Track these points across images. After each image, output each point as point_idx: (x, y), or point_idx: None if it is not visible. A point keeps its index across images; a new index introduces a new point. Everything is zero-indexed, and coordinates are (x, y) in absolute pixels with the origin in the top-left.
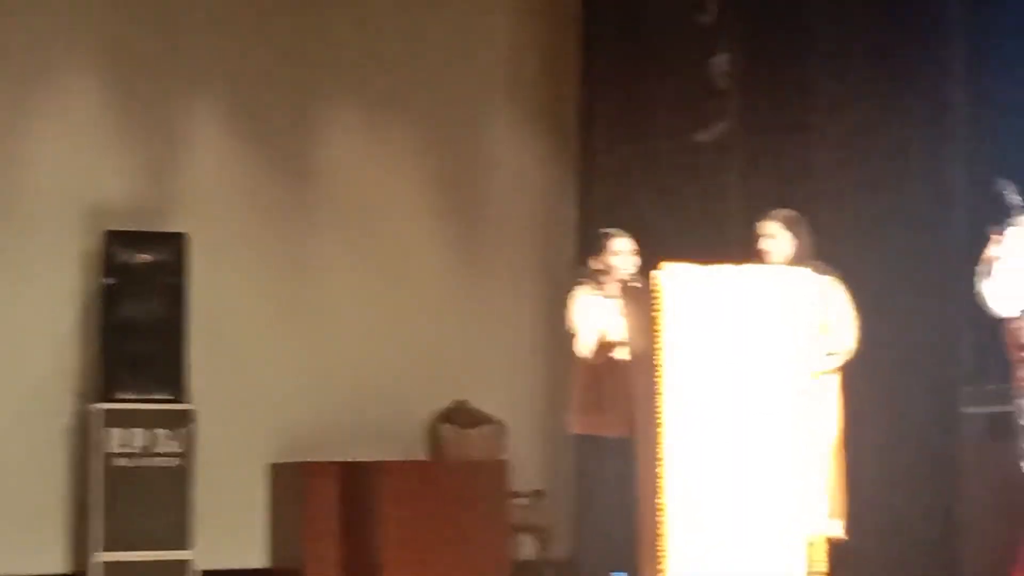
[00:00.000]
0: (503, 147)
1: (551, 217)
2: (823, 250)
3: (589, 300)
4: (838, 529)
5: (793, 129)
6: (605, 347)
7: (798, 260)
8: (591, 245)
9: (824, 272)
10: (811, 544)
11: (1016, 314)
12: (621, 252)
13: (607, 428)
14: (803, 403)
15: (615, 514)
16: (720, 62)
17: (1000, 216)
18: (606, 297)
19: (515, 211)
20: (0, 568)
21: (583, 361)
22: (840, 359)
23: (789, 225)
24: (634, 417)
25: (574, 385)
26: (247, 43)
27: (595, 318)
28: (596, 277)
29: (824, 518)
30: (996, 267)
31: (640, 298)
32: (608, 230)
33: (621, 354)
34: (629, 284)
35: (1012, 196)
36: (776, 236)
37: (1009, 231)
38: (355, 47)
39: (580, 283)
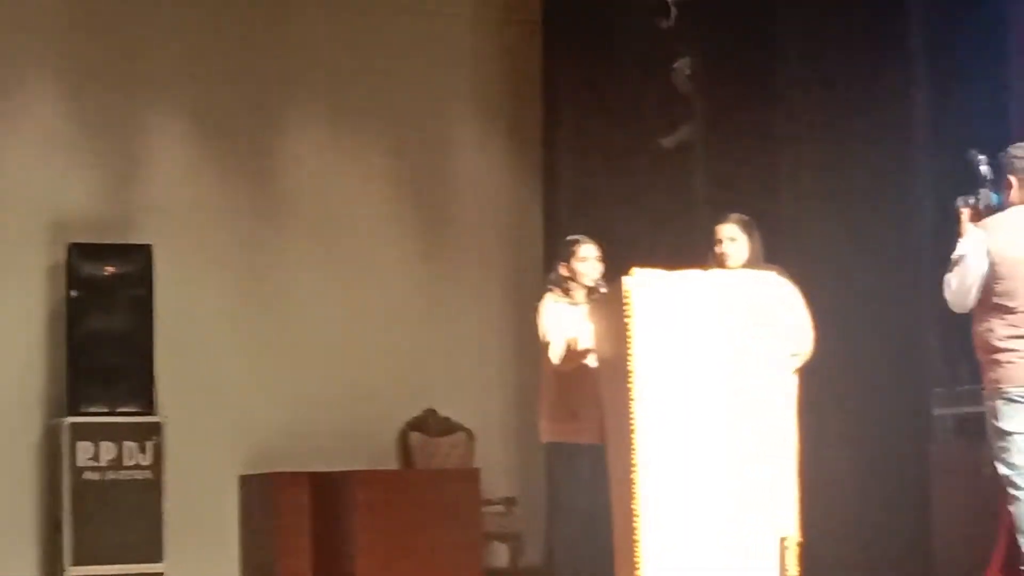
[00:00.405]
0: (468, 155)
1: (517, 224)
2: (789, 252)
3: (557, 307)
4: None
5: (757, 132)
6: (575, 354)
7: (753, 263)
8: (558, 252)
9: (779, 274)
10: (784, 547)
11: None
12: (588, 258)
13: (578, 435)
14: (776, 405)
15: (588, 521)
16: (682, 66)
17: (970, 191)
18: (574, 304)
19: (481, 219)
20: None
21: (553, 368)
22: (799, 361)
23: (746, 228)
24: (605, 424)
25: (544, 392)
26: (210, 54)
27: (564, 325)
28: (564, 284)
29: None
30: (958, 267)
31: (608, 304)
32: (575, 236)
33: (591, 361)
34: (597, 290)
35: (982, 167)
36: (736, 239)
37: (971, 229)
38: (319, 57)
39: (548, 290)
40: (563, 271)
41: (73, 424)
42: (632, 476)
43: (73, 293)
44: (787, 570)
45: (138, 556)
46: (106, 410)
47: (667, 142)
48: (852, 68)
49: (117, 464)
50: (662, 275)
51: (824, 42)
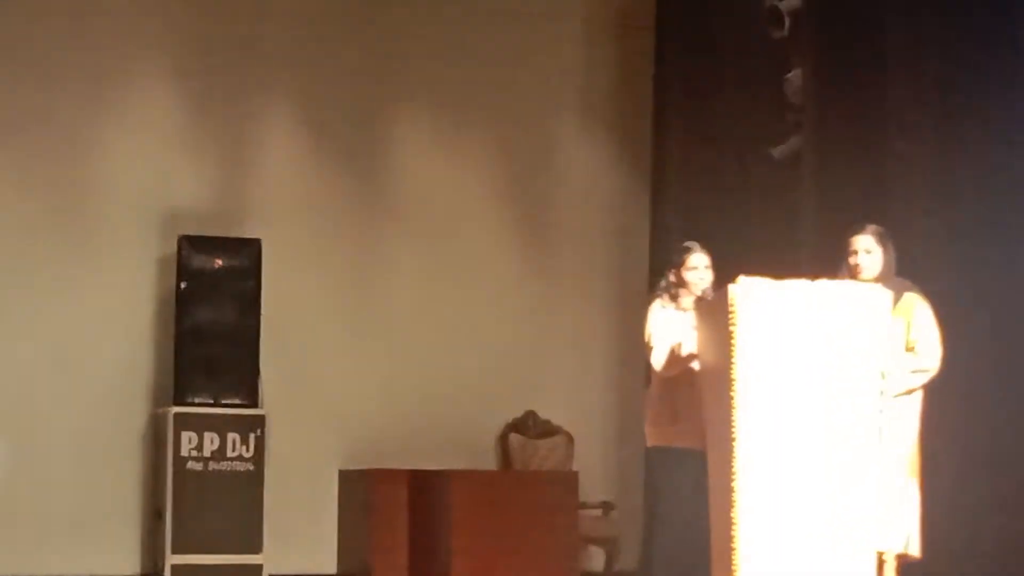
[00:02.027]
0: (576, 157)
1: (624, 229)
2: (901, 266)
3: (665, 313)
4: (914, 548)
5: (867, 144)
6: (679, 360)
7: (886, 275)
8: (670, 258)
9: (910, 289)
10: (883, 561)
11: None
12: (698, 267)
13: (680, 438)
14: (878, 419)
15: (686, 527)
16: (795, 77)
17: None
18: (681, 310)
19: (587, 221)
20: (74, 568)
21: (657, 373)
22: (925, 377)
23: (881, 240)
24: (707, 431)
25: (648, 397)
26: (323, 51)
27: (670, 330)
28: (672, 290)
29: (897, 535)
30: None
31: (713, 312)
32: (688, 244)
33: (695, 366)
34: (704, 298)
35: None
36: (872, 251)
37: None
38: (428, 55)
39: (656, 295)
40: (672, 278)
41: (178, 414)
42: (732, 484)
43: (182, 285)
44: None
45: (237, 547)
46: (211, 401)
47: (777, 152)
48: (964, 80)
49: (220, 455)
50: (768, 284)
51: (936, 54)
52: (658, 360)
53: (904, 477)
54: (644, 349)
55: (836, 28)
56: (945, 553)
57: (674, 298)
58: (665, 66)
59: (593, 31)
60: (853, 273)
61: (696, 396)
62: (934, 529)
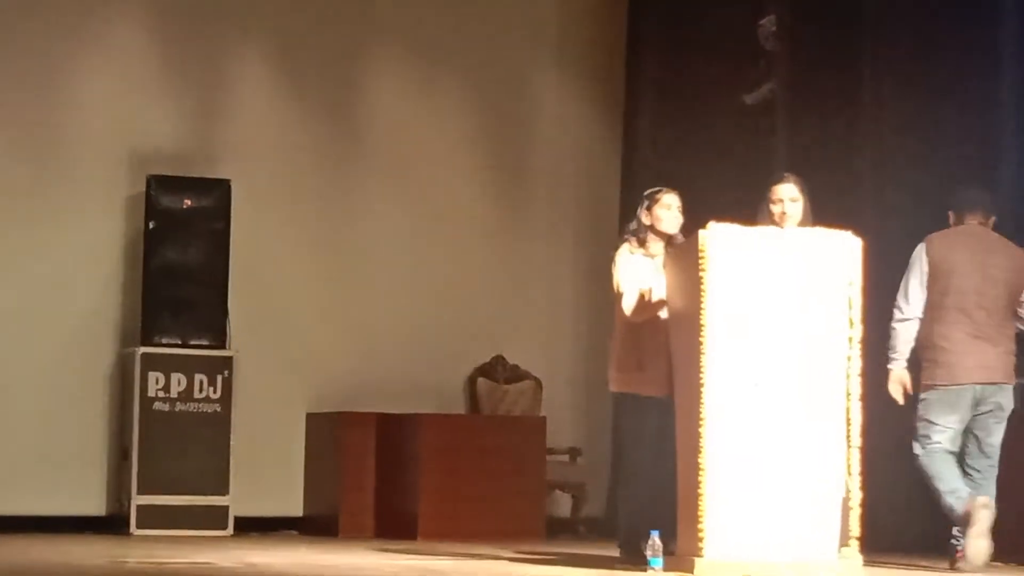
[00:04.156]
0: (549, 103)
1: (594, 174)
2: (867, 213)
3: (633, 258)
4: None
5: (839, 92)
6: (647, 306)
7: (806, 222)
8: (639, 201)
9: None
10: (848, 506)
11: None
12: (671, 206)
13: (644, 386)
14: (848, 365)
15: (651, 474)
16: (768, 23)
17: None
18: (649, 256)
19: (559, 167)
20: (39, 509)
21: (625, 319)
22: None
23: (802, 188)
24: (675, 376)
25: (615, 343)
26: None
27: (639, 276)
28: (641, 234)
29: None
30: None
31: (683, 257)
32: (660, 187)
33: (663, 314)
34: (673, 242)
35: None
36: (796, 199)
37: None
38: None
39: (625, 240)
40: (644, 218)
41: (145, 354)
42: (699, 429)
43: (151, 225)
44: (849, 530)
45: (204, 488)
46: (178, 342)
47: (749, 99)
48: (938, 30)
49: (187, 396)
50: (738, 230)
51: (911, 3)
52: (628, 305)
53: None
54: (613, 295)
55: None
56: (908, 501)
57: (642, 243)
58: (639, 12)
59: None
60: (779, 221)
61: (662, 343)
62: (897, 476)
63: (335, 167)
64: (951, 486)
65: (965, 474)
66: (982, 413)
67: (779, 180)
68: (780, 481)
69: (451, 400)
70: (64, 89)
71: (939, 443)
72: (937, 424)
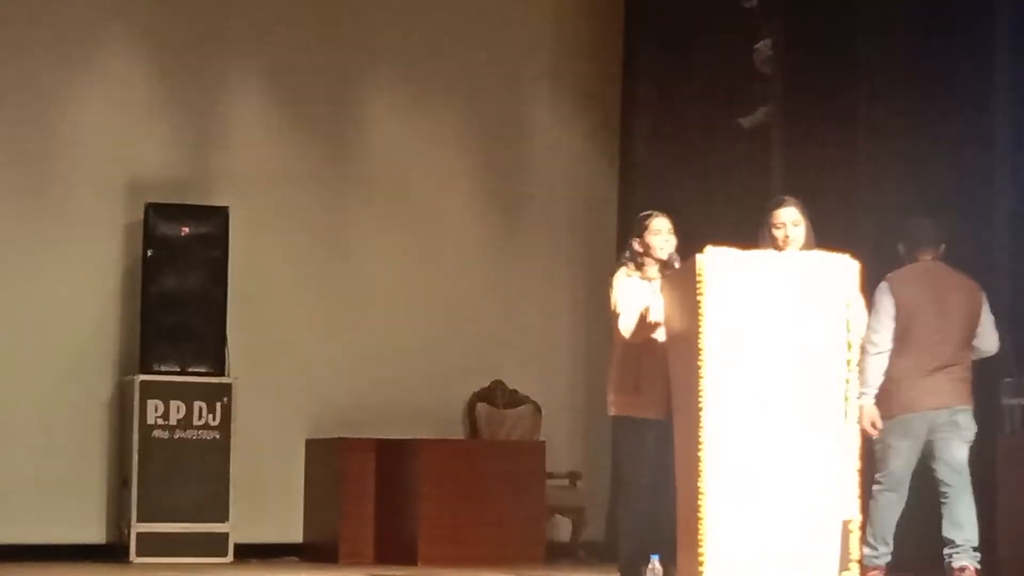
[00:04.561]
0: (545, 127)
1: (591, 199)
2: (865, 236)
3: (630, 281)
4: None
5: (836, 115)
6: (645, 327)
7: (809, 246)
8: (631, 228)
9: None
10: (848, 531)
11: None
12: (661, 231)
13: (642, 409)
14: (845, 388)
15: (651, 496)
16: (764, 47)
17: None
18: (646, 279)
19: (556, 191)
20: (39, 538)
21: (623, 341)
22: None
23: (803, 211)
24: (673, 399)
25: (612, 366)
26: (289, 16)
27: (636, 298)
28: (637, 259)
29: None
30: None
31: (680, 281)
32: (647, 212)
33: (659, 335)
34: (669, 266)
35: None
36: (798, 223)
37: None
38: (398, 21)
39: (622, 264)
40: (637, 246)
41: (144, 382)
42: (698, 453)
43: (149, 252)
44: (849, 553)
45: (203, 515)
46: (177, 369)
47: (745, 122)
48: (934, 54)
49: (186, 423)
50: (735, 254)
51: (907, 25)
52: (626, 326)
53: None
54: (610, 317)
55: None
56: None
57: (639, 267)
58: (635, 36)
59: (563, 1)
60: (781, 245)
61: (658, 366)
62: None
63: (332, 193)
64: (880, 539)
65: (941, 493)
66: (940, 434)
67: (779, 204)
68: (780, 505)
69: (450, 425)
70: (61, 118)
71: (893, 472)
72: (892, 447)
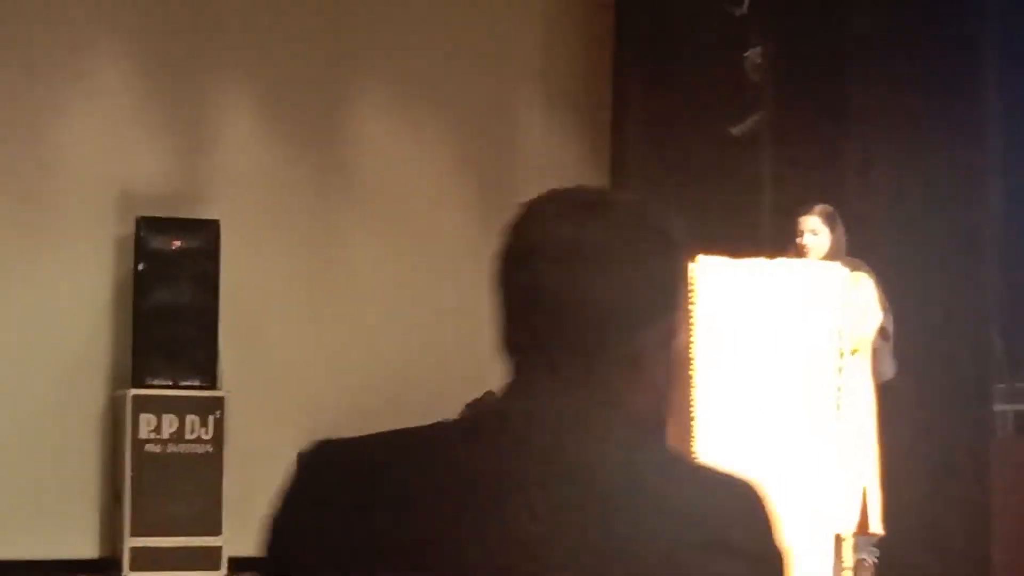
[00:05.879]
0: (535, 135)
1: None
2: (857, 244)
3: None
4: (875, 525)
5: (827, 123)
6: None
7: (834, 256)
8: None
9: (859, 268)
10: (841, 540)
11: None
12: None
13: None
14: (837, 396)
15: None
16: (754, 55)
17: None
18: None
19: None
20: (30, 553)
21: None
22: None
23: (828, 220)
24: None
25: None
26: (279, 27)
27: None
28: None
29: (854, 515)
30: None
31: None
32: None
33: None
34: None
35: None
36: (818, 232)
37: None
38: (387, 31)
39: None
40: None
41: (136, 396)
42: None
43: (140, 266)
44: (842, 564)
45: (197, 529)
46: (169, 383)
47: (736, 130)
48: (924, 61)
49: (179, 437)
50: (726, 262)
51: (897, 34)
52: None
53: (862, 455)
54: None
55: (796, 5)
56: (902, 530)
57: None
58: (625, 43)
59: (553, 7)
60: (800, 253)
61: None
62: (890, 507)
63: (324, 206)
64: None
65: None
66: None
67: (806, 211)
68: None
69: None
70: (50, 131)
71: None
72: None
